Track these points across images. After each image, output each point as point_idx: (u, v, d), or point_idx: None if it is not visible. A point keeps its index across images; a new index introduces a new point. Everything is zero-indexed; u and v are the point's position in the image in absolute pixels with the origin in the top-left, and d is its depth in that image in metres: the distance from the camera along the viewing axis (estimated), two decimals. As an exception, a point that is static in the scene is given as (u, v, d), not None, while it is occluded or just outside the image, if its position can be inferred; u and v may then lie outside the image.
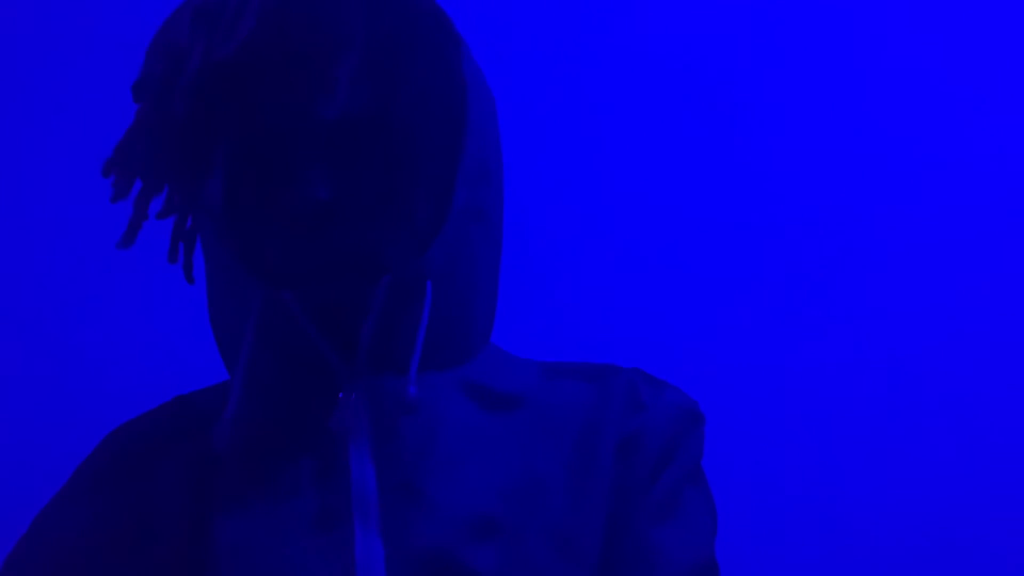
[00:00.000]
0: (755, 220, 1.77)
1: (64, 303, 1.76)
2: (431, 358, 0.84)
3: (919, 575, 1.63)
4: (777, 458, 1.67)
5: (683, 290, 1.75)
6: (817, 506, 1.67)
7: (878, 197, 1.78)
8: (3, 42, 1.88)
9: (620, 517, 0.83)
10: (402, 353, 0.81)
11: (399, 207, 0.80)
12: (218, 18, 0.76)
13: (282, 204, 0.78)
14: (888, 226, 1.77)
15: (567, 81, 1.79)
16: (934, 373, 1.71)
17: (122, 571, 0.80)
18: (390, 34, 0.80)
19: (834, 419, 1.70)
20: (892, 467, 1.67)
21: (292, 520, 0.79)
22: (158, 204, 0.82)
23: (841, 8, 1.84)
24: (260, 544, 0.78)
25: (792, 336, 1.73)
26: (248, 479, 0.81)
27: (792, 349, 1.73)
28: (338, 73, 0.76)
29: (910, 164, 1.79)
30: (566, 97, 1.77)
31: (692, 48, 1.84)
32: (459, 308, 0.85)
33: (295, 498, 0.79)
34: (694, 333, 1.73)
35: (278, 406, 0.84)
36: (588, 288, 1.74)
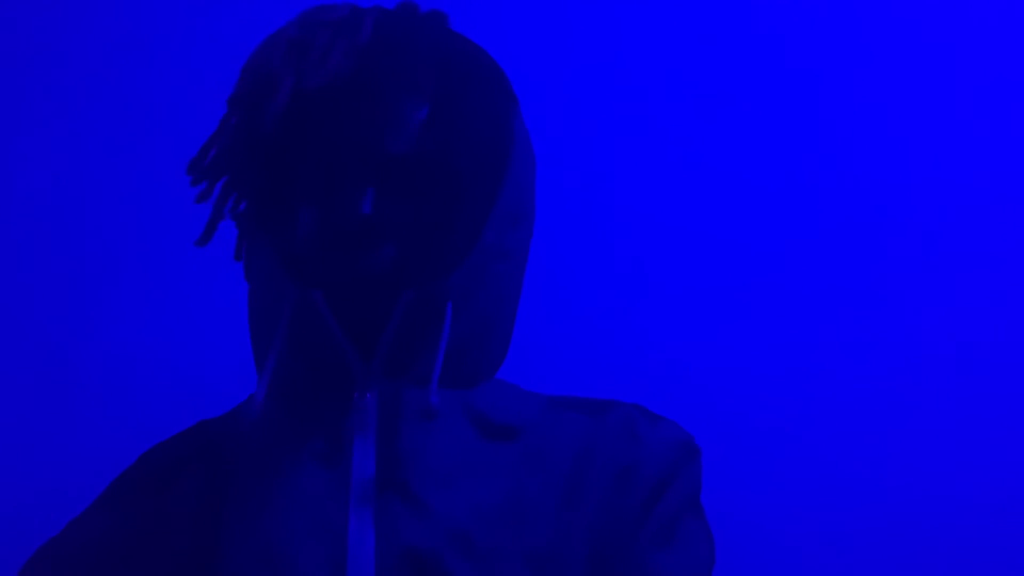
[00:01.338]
0: (768, 240, 1.77)
1: (71, 306, 1.76)
2: (441, 376, 0.90)
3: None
4: (790, 477, 1.68)
5: (693, 306, 1.76)
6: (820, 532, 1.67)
7: (888, 205, 1.78)
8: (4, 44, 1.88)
9: (613, 545, 0.88)
10: (416, 364, 0.90)
11: (433, 236, 0.88)
12: (308, 51, 0.87)
13: (330, 217, 0.86)
14: (896, 235, 1.77)
15: (570, 104, 1.80)
16: (938, 382, 1.71)
17: (136, 566, 0.90)
18: (456, 87, 0.89)
19: (840, 433, 1.70)
20: (896, 492, 1.67)
21: (295, 503, 0.86)
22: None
23: (842, 10, 1.85)
24: (263, 523, 0.86)
25: (805, 351, 1.73)
26: (259, 462, 0.90)
27: (801, 364, 1.73)
28: (410, 115, 0.86)
29: (910, 168, 1.79)
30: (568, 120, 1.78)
31: (696, 67, 1.85)
32: (474, 335, 0.92)
33: (300, 483, 0.87)
34: (699, 344, 1.74)
35: (296, 397, 0.91)
36: (601, 313, 1.75)
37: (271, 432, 0.90)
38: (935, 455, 1.68)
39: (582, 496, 0.89)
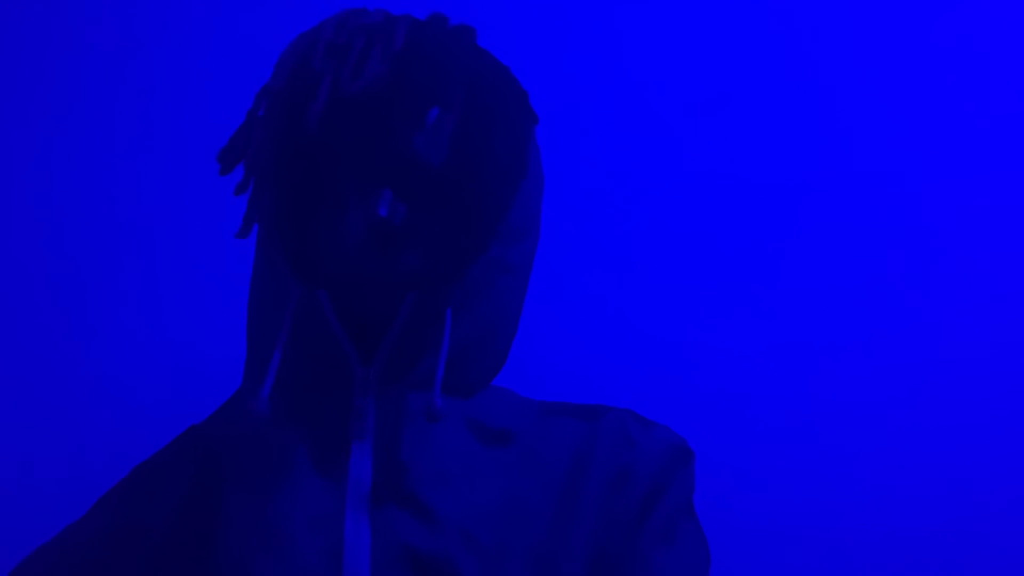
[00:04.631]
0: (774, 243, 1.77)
1: (72, 305, 1.77)
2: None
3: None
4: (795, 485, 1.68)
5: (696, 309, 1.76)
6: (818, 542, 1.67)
7: (892, 207, 1.78)
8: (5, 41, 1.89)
9: (613, 546, 0.91)
10: (415, 370, 0.92)
11: (442, 244, 0.90)
12: (346, 55, 0.89)
13: (344, 216, 0.88)
14: (900, 236, 1.77)
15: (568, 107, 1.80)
16: (939, 382, 1.71)
17: (127, 562, 0.92)
18: (483, 102, 0.92)
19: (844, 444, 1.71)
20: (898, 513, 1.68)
21: (292, 502, 0.88)
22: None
23: (843, 11, 1.85)
24: (265, 515, 0.88)
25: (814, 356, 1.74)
26: (261, 459, 0.91)
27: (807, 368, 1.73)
28: (440, 125, 0.88)
29: (911, 170, 1.80)
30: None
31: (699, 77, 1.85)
32: (474, 345, 0.95)
33: (297, 482, 0.89)
34: (697, 347, 1.74)
35: (296, 397, 0.92)
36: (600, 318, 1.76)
37: (272, 430, 0.91)
38: (935, 456, 1.68)
39: (580, 498, 0.91)
